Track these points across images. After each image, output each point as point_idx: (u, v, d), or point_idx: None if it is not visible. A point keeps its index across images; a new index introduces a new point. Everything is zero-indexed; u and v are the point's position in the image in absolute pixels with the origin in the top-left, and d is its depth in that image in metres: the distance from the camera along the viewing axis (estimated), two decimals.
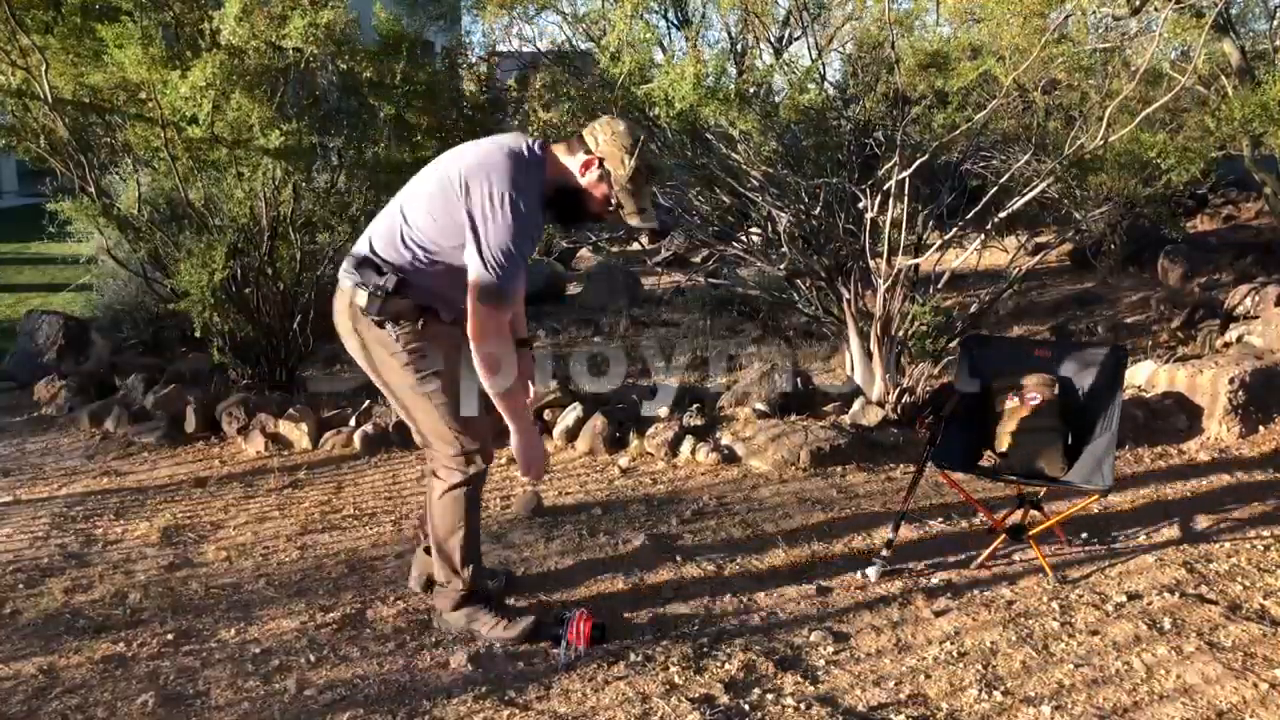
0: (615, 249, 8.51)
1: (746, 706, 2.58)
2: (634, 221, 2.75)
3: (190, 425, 4.94)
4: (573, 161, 2.70)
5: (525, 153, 2.67)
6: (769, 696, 2.62)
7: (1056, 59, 4.68)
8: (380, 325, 2.73)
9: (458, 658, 2.81)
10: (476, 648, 2.88)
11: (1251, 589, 3.17)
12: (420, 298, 2.72)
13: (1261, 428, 4.62)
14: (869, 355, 5.08)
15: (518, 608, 3.04)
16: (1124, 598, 3.12)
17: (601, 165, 2.68)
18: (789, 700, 2.60)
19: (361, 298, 2.71)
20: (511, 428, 2.77)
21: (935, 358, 5.32)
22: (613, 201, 2.71)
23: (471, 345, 2.64)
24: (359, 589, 3.28)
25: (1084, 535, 3.60)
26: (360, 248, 2.79)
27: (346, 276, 2.77)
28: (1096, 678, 2.69)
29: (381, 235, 2.75)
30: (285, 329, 5.49)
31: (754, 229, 6.54)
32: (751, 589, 3.24)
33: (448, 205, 2.63)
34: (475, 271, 2.58)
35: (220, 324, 5.22)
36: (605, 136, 2.68)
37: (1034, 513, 3.47)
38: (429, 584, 3.14)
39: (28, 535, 3.80)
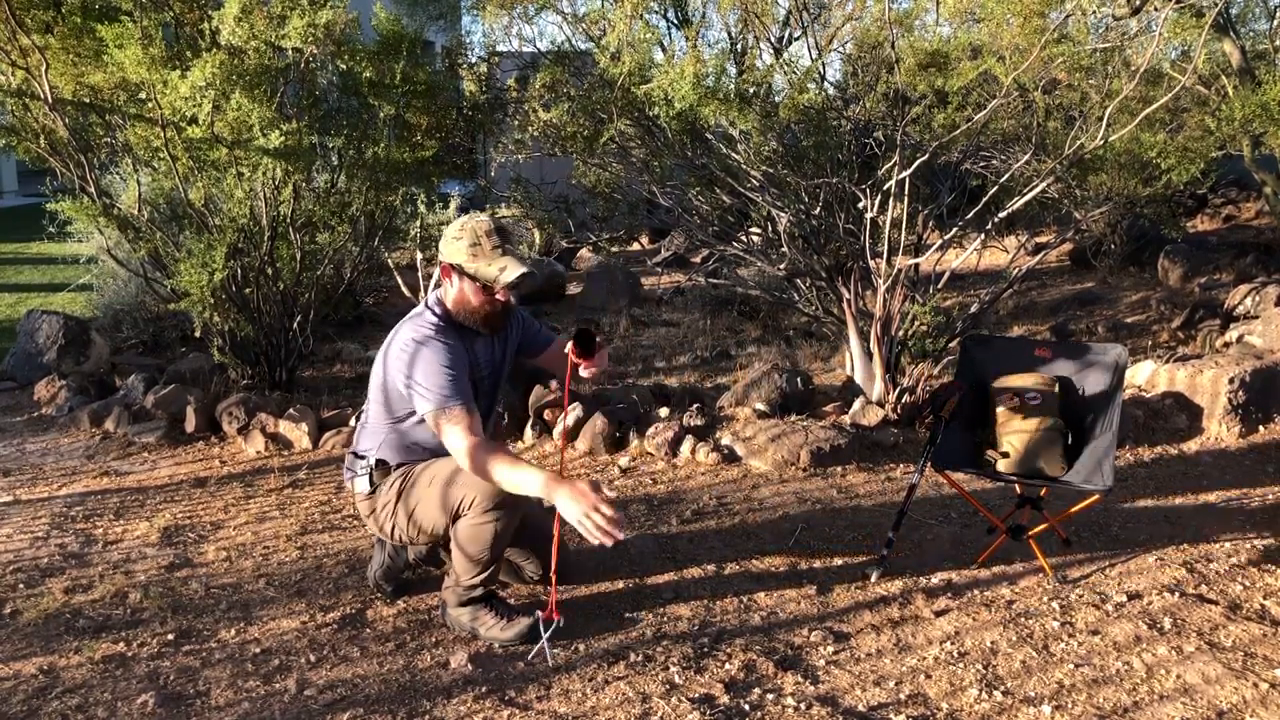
0: (615, 249, 8.51)
1: (746, 706, 2.58)
2: (505, 281, 2.81)
3: (190, 425, 4.94)
4: (445, 285, 2.92)
5: (419, 312, 2.94)
6: (769, 696, 2.62)
7: (1056, 59, 4.68)
8: (375, 492, 3.02)
9: (458, 658, 2.81)
10: (476, 648, 2.88)
11: (1251, 589, 3.17)
12: (397, 458, 3.01)
13: (1261, 428, 4.62)
14: (869, 355, 5.08)
15: (518, 607, 3.03)
16: (1124, 598, 3.12)
17: (452, 268, 2.87)
18: (789, 700, 2.60)
19: (359, 485, 3.04)
20: (551, 501, 2.63)
21: (935, 358, 5.32)
22: (479, 284, 2.84)
23: (467, 468, 2.76)
24: (359, 589, 3.28)
25: (1084, 535, 3.60)
26: (346, 454, 3.19)
27: (346, 479, 3.15)
28: (1096, 678, 2.70)
29: (356, 438, 3.14)
30: (285, 329, 5.49)
31: (754, 229, 6.55)
32: (751, 589, 3.24)
33: (385, 387, 2.94)
34: (428, 409, 2.78)
35: (220, 324, 5.22)
36: (441, 245, 2.89)
37: (1034, 513, 3.47)
38: (397, 576, 3.23)
39: (28, 535, 3.80)
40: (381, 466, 3.02)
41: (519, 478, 2.66)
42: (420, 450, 3.00)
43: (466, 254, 2.83)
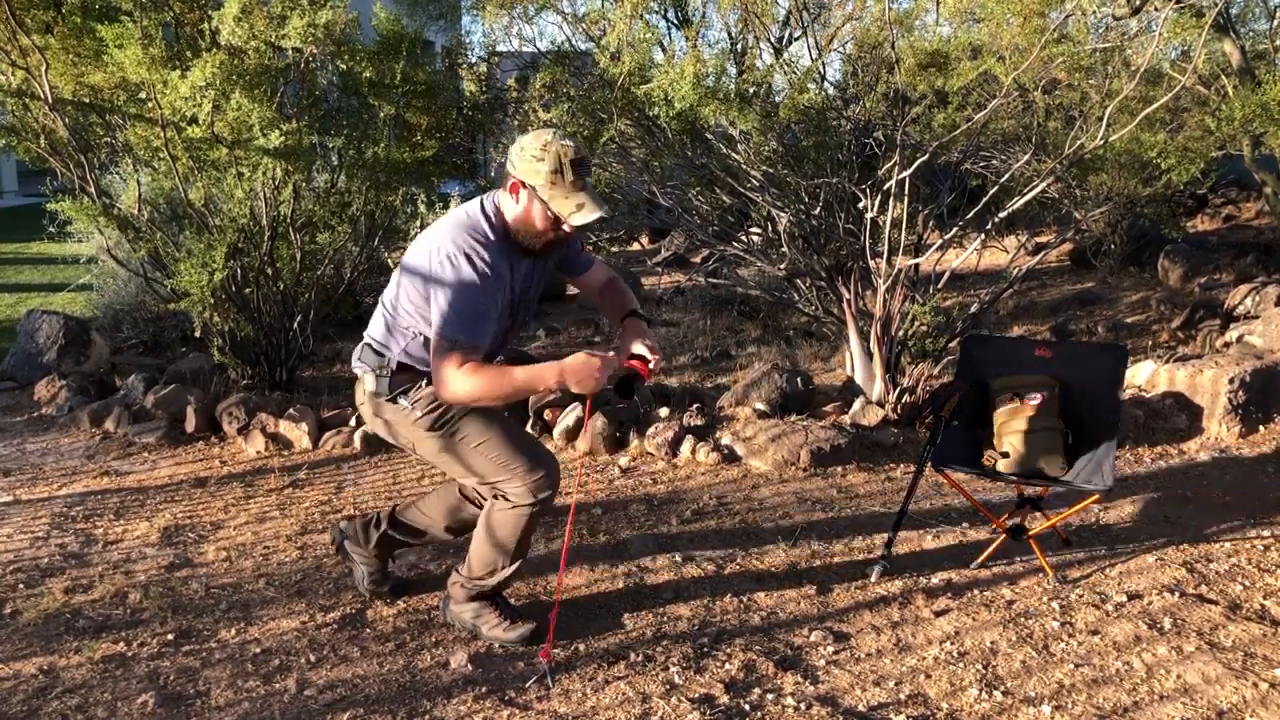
0: (615, 249, 8.50)
1: (746, 706, 2.58)
2: (577, 221, 2.64)
3: (190, 425, 4.94)
4: (509, 199, 2.71)
5: (475, 213, 2.72)
6: (769, 696, 2.62)
7: (1056, 59, 4.68)
8: (394, 402, 2.80)
9: (458, 658, 2.81)
10: (476, 648, 2.88)
11: (1251, 589, 3.17)
12: (422, 371, 2.78)
13: (1261, 427, 4.62)
14: (869, 355, 5.08)
15: (521, 609, 3.03)
16: (1124, 598, 3.12)
17: (524, 185, 2.66)
18: (789, 700, 2.60)
19: (370, 382, 2.83)
20: (549, 386, 2.64)
21: (935, 358, 5.32)
22: (550, 214, 2.65)
23: (445, 398, 2.67)
24: (359, 589, 3.28)
25: (1084, 535, 3.60)
26: (365, 337, 2.89)
27: (356, 366, 2.90)
28: (1096, 678, 2.70)
29: (378, 326, 2.87)
30: (285, 329, 5.49)
31: (754, 229, 6.55)
32: (751, 589, 3.24)
33: (413, 284, 2.72)
34: (439, 332, 2.63)
35: (220, 324, 5.22)
36: (516, 156, 2.67)
37: (1034, 513, 3.47)
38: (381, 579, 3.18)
39: (28, 535, 3.80)
40: (406, 376, 2.80)
41: (530, 380, 2.62)
42: None
43: (545, 179, 2.61)
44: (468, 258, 2.61)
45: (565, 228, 2.67)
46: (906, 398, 4.77)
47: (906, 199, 4.86)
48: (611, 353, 2.69)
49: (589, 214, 2.63)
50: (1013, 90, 4.63)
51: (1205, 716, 2.51)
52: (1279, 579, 3.23)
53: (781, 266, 6.11)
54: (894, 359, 5.06)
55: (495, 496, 2.81)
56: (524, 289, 2.82)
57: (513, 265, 2.72)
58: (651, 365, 2.78)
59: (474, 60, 6.11)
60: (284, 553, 3.59)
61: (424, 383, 2.77)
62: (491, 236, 2.67)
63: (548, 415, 4.79)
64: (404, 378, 2.80)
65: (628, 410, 4.72)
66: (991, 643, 2.89)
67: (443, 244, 2.65)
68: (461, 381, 2.58)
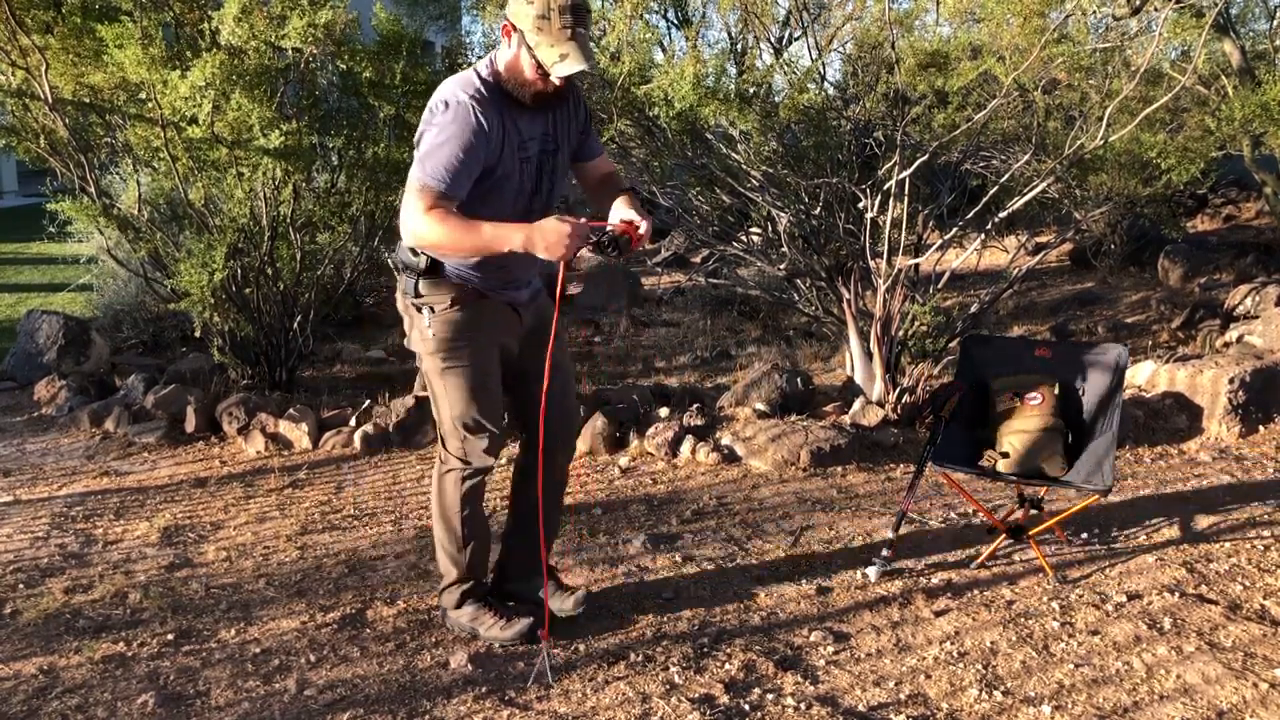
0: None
1: (746, 706, 2.58)
2: (559, 73, 2.46)
3: (190, 425, 4.94)
4: (503, 44, 2.57)
5: (476, 66, 2.61)
6: (769, 696, 2.62)
7: (1056, 59, 4.68)
8: (419, 310, 2.72)
9: (458, 658, 2.81)
10: (476, 648, 2.88)
11: (1251, 589, 3.17)
12: (457, 270, 2.68)
13: (1261, 428, 4.62)
14: (869, 355, 5.08)
15: (516, 608, 3.03)
16: (1124, 598, 3.12)
17: (513, 28, 2.51)
18: (789, 700, 2.60)
19: (404, 283, 2.74)
20: (514, 247, 2.49)
21: (935, 358, 5.32)
22: (536, 62, 2.48)
23: (406, 239, 2.58)
24: (359, 589, 3.28)
25: (1084, 535, 3.60)
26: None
27: (395, 266, 2.81)
28: (1096, 678, 2.69)
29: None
30: (285, 329, 5.49)
31: (754, 229, 6.55)
32: (751, 589, 3.24)
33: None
34: (413, 176, 2.51)
35: (220, 324, 5.22)
36: (511, 1, 2.53)
37: (1034, 513, 3.47)
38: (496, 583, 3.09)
39: (28, 535, 3.80)
40: (434, 272, 2.68)
41: (496, 237, 2.48)
42: (478, 268, 2.68)
43: (532, 24, 2.45)
44: (449, 105, 2.50)
45: (555, 80, 2.51)
46: (906, 398, 4.77)
47: (906, 199, 4.86)
48: (584, 219, 2.53)
49: (571, 65, 2.46)
50: (1013, 90, 4.63)
51: (1205, 717, 2.51)
52: (1279, 579, 3.23)
53: (781, 266, 6.11)
54: (894, 359, 5.06)
55: (441, 459, 2.85)
56: (540, 144, 2.66)
57: (506, 120, 2.56)
58: (641, 231, 2.60)
59: (474, 60, 6.11)
60: (284, 553, 3.59)
61: (449, 301, 2.68)
62: (482, 89, 2.54)
63: None
64: (434, 284, 2.69)
65: (628, 411, 4.72)
66: (991, 643, 2.88)
67: (436, 96, 2.56)
68: (425, 224, 2.48)
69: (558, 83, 2.52)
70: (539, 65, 2.49)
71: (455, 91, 2.52)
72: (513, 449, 3.15)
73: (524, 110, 2.59)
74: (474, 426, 2.76)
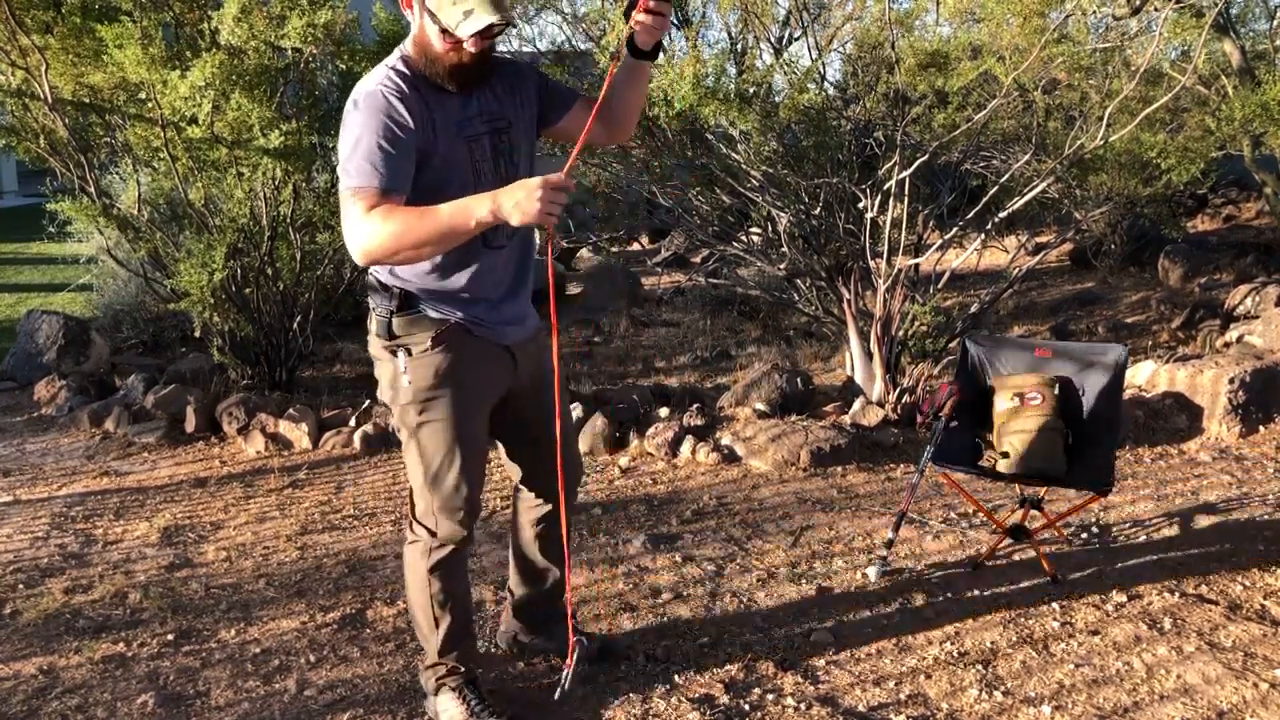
0: (615, 249, 8.51)
1: (746, 706, 2.58)
2: (465, 31, 2.10)
3: (190, 425, 4.94)
4: (410, 19, 2.24)
5: (379, 66, 2.26)
6: (769, 696, 2.62)
7: (1056, 59, 4.68)
8: (394, 353, 2.34)
9: None
10: None
11: (1251, 589, 3.17)
12: (434, 304, 2.32)
13: (1262, 428, 4.62)
14: (869, 355, 5.08)
15: (497, 705, 2.55)
16: (1124, 598, 3.12)
17: None
18: (789, 700, 2.60)
19: (375, 323, 2.36)
20: (482, 219, 2.08)
21: (935, 358, 5.32)
22: (441, 25, 2.13)
23: (360, 260, 2.17)
24: (359, 589, 3.28)
25: (1084, 535, 3.60)
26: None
27: (364, 305, 2.47)
28: (1096, 678, 2.69)
29: None
30: (285, 329, 5.49)
31: (754, 229, 6.55)
32: (751, 589, 3.24)
33: None
34: (343, 186, 2.15)
35: (220, 324, 5.22)
36: None
37: (1034, 513, 3.47)
38: (514, 641, 2.84)
39: (28, 535, 3.80)
40: (408, 307, 2.31)
41: (458, 213, 2.08)
42: (455, 297, 2.33)
43: None
44: (358, 103, 2.16)
45: (467, 45, 2.14)
46: (906, 398, 4.77)
47: (906, 199, 4.86)
48: (558, 175, 2.10)
49: (478, 20, 2.08)
50: (1013, 90, 4.63)
51: (1205, 717, 2.51)
52: (1279, 579, 3.23)
53: (781, 266, 6.11)
54: (894, 359, 5.06)
55: (411, 527, 2.49)
56: (488, 122, 2.29)
57: (430, 99, 2.20)
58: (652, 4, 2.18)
59: None
60: (284, 553, 3.59)
61: (429, 340, 2.31)
62: (394, 78, 2.18)
63: None
64: (408, 321, 2.31)
65: (628, 411, 4.72)
66: (991, 643, 2.88)
67: (349, 100, 2.21)
68: (370, 229, 2.08)
69: (471, 48, 2.15)
70: (445, 31, 2.13)
71: (363, 88, 2.19)
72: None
73: (451, 92, 2.23)
74: (449, 491, 2.37)
